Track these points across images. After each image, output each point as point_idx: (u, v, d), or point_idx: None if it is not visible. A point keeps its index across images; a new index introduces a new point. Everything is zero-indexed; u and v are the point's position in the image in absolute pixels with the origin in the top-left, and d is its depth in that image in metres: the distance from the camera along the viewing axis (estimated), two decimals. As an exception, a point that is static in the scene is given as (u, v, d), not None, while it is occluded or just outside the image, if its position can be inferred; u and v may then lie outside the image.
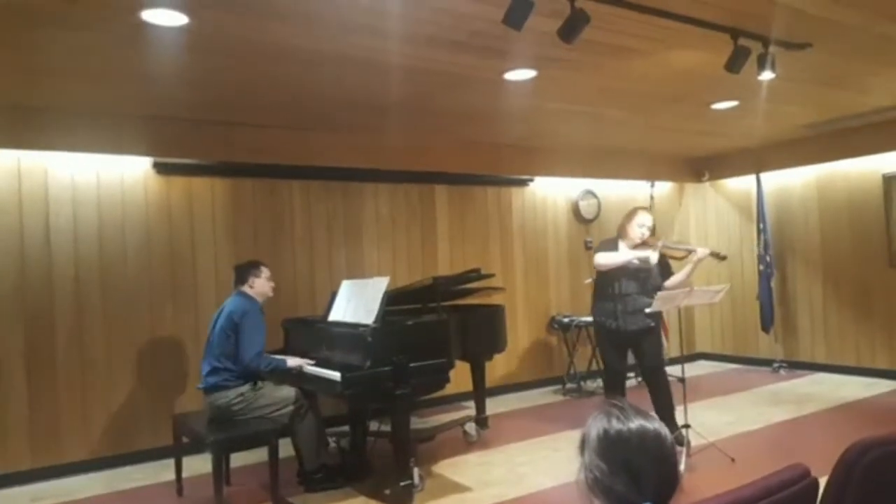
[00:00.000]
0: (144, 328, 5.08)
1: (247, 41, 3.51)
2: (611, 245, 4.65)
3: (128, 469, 4.83)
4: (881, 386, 6.34)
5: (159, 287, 5.14)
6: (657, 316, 4.55)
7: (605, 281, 4.62)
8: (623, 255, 4.52)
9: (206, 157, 5.27)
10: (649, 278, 4.51)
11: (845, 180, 6.93)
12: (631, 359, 4.77)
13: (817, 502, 1.57)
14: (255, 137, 5.34)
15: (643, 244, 4.50)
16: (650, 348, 4.58)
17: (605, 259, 4.55)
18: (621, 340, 4.61)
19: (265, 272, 4.27)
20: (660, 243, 4.50)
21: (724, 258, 4.57)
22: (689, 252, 4.47)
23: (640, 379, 5.88)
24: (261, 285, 4.24)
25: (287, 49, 3.65)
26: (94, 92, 4.33)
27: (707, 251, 4.41)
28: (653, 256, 4.44)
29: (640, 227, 4.53)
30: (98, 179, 4.96)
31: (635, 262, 4.46)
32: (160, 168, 5.16)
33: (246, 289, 4.20)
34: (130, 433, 4.98)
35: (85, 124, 4.72)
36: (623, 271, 4.52)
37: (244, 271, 4.25)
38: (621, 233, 4.64)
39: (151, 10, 3.06)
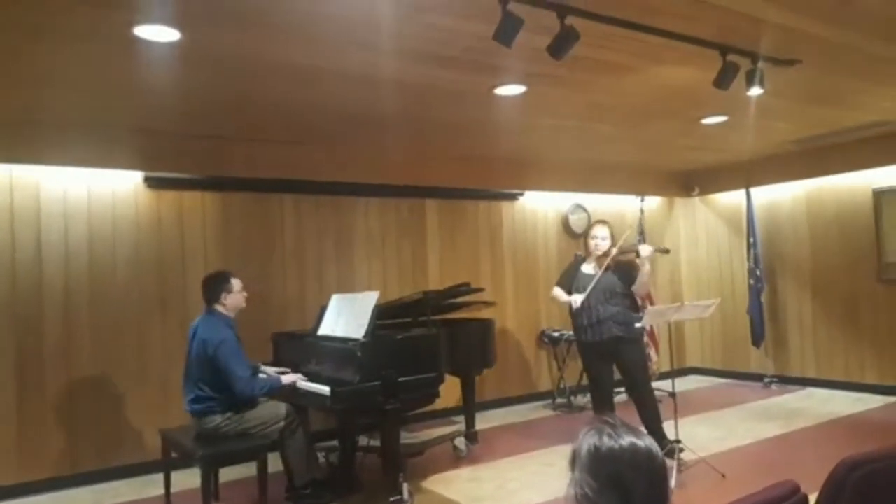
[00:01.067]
0: (133, 342, 5.03)
1: (239, 57, 3.52)
2: (572, 269, 4.82)
3: (115, 484, 4.78)
4: (870, 401, 6.35)
5: (149, 301, 5.11)
6: (633, 327, 4.59)
7: (571, 294, 4.71)
8: (561, 297, 4.74)
9: (197, 171, 5.26)
10: (610, 286, 4.55)
11: (834, 195, 6.98)
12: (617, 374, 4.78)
13: (806, 520, 1.56)
14: (247, 152, 5.34)
15: (604, 255, 4.58)
16: (634, 357, 4.61)
17: (553, 296, 4.86)
18: (599, 351, 4.63)
19: (236, 284, 4.03)
20: (613, 251, 4.56)
21: (667, 251, 4.83)
22: (636, 253, 4.57)
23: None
24: (234, 299, 4.01)
25: (279, 64, 3.66)
26: (87, 106, 4.33)
27: (650, 249, 4.57)
28: (576, 299, 4.54)
29: (591, 239, 4.67)
30: (89, 193, 4.94)
31: (576, 305, 4.56)
32: (151, 182, 5.14)
33: (218, 307, 3.97)
34: (118, 447, 4.92)
35: (77, 138, 4.71)
36: (581, 285, 4.62)
37: (214, 288, 3.98)
38: (584, 251, 4.79)
39: (144, 27, 3.07)
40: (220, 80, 3.91)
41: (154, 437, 4.43)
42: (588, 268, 4.69)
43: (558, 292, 4.80)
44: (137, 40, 3.20)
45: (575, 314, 4.68)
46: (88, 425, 4.84)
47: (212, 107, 4.48)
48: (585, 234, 4.77)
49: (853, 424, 5.63)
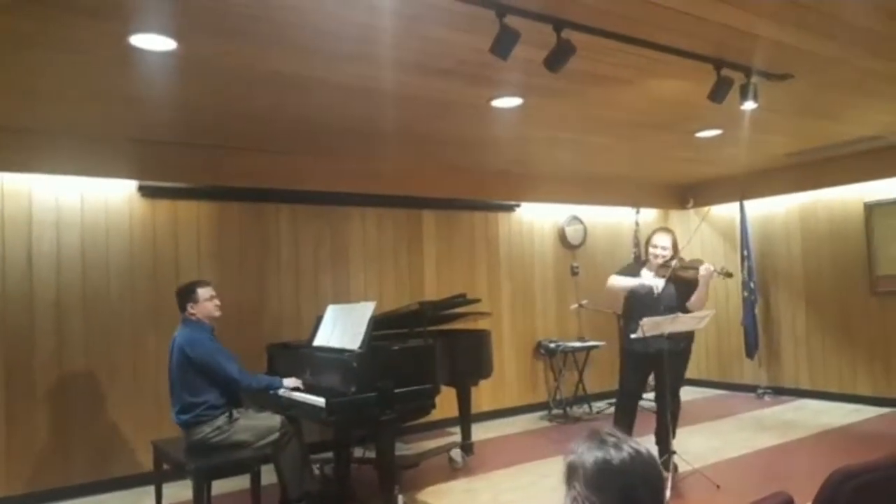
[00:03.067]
0: (126, 353, 5.01)
1: (235, 67, 3.53)
2: (632, 269, 4.68)
3: (107, 496, 4.74)
4: (863, 412, 6.38)
5: (142, 312, 5.09)
6: (687, 338, 4.50)
7: (628, 306, 4.62)
8: (626, 280, 4.56)
9: (192, 180, 5.26)
10: (661, 303, 4.39)
11: (827, 208, 7.03)
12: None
13: (801, 531, 1.57)
14: (242, 161, 5.35)
15: (664, 266, 4.46)
16: (678, 369, 4.51)
17: (611, 281, 4.65)
18: (645, 362, 4.52)
19: (203, 293, 3.99)
20: (674, 263, 4.45)
21: (729, 275, 4.41)
22: (696, 271, 4.39)
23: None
24: (202, 309, 3.97)
25: (275, 74, 3.67)
26: (80, 114, 4.33)
27: (710, 268, 4.33)
28: (658, 284, 4.43)
29: (653, 248, 4.53)
30: (82, 202, 4.93)
31: (647, 285, 4.45)
32: (145, 191, 5.14)
33: (188, 315, 3.97)
34: (110, 460, 4.89)
35: (70, 147, 4.71)
36: (637, 296, 4.52)
37: (182, 298, 4.00)
38: (645, 258, 4.65)
39: (140, 35, 3.08)
40: (216, 89, 3.92)
41: (147, 448, 4.40)
42: (648, 275, 4.54)
43: (620, 279, 4.60)
44: (133, 49, 3.21)
45: (629, 320, 4.51)
46: (80, 437, 4.80)
47: (207, 116, 4.49)
48: (647, 241, 4.61)
49: (846, 435, 5.64)
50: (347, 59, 3.46)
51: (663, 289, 4.44)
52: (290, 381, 4.00)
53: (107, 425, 4.91)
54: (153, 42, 3.16)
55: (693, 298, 4.44)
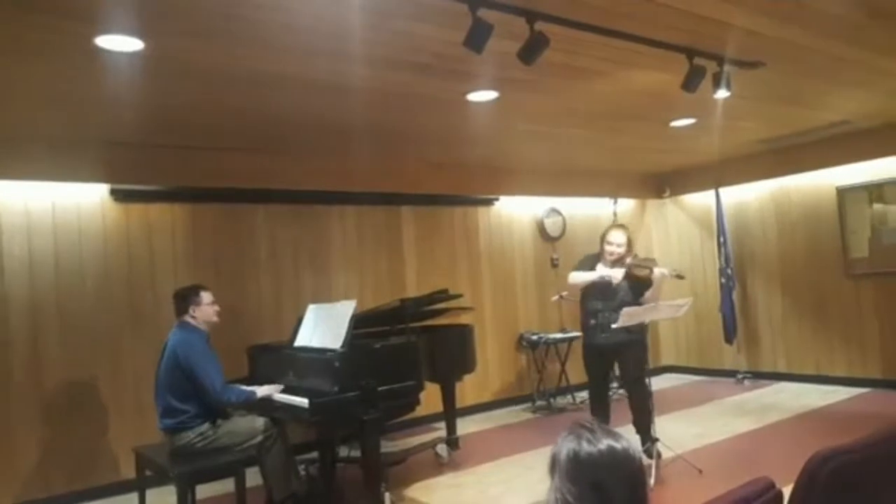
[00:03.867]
0: (104, 359, 4.93)
1: (205, 66, 3.48)
2: (589, 263, 4.73)
3: (88, 505, 4.68)
4: (840, 393, 6.49)
5: (118, 317, 5.01)
6: (641, 329, 4.57)
7: (583, 298, 4.71)
8: (585, 275, 4.62)
9: (165, 182, 5.19)
10: (617, 295, 4.53)
11: (800, 194, 7.13)
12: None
13: (782, 513, 1.59)
14: (216, 162, 5.28)
15: (619, 261, 4.55)
16: (635, 358, 4.60)
17: (571, 278, 4.73)
18: (601, 354, 4.66)
19: (206, 297, 3.98)
20: (628, 260, 4.54)
21: (681, 277, 4.62)
22: (650, 271, 4.51)
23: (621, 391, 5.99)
24: (203, 313, 3.96)
25: (247, 73, 3.63)
26: (49, 118, 4.25)
27: (665, 271, 4.47)
28: (616, 274, 4.51)
29: (608, 245, 4.61)
30: (53, 207, 4.83)
31: (607, 277, 4.52)
32: (118, 195, 5.05)
33: (188, 318, 3.94)
34: (91, 467, 4.81)
35: (39, 151, 4.61)
36: (592, 289, 4.61)
37: (183, 301, 3.95)
38: (600, 252, 4.70)
39: (106, 36, 3.02)
40: (187, 89, 3.86)
41: (128, 455, 4.34)
42: (606, 271, 4.59)
43: (580, 274, 4.65)
44: (99, 50, 3.15)
45: (585, 314, 4.67)
46: (60, 446, 4.72)
47: (179, 117, 4.42)
48: (602, 237, 4.68)
49: (824, 417, 5.74)
50: (321, 55, 3.42)
51: (619, 284, 4.53)
52: (263, 391, 3.93)
53: (87, 433, 4.83)
54: (119, 43, 3.10)
55: (647, 296, 4.56)
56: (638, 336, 4.57)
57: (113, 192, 5.04)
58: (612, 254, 4.57)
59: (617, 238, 4.59)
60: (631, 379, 4.68)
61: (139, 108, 4.20)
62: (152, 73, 3.55)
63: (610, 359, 4.76)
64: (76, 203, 4.92)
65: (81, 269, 4.91)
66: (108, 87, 3.72)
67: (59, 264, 4.82)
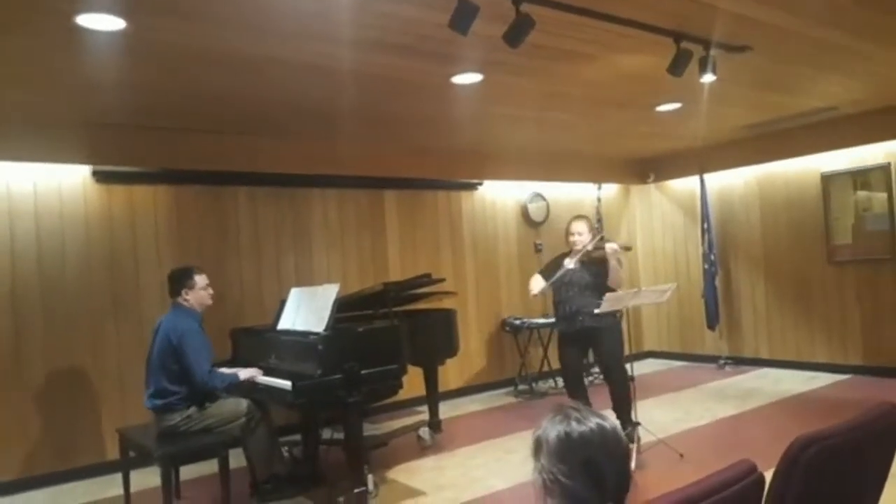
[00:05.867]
0: (87, 341, 4.89)
1: (188, 46, 3.41)
2: (556, 262, 4.81)
3: (72, 485, 4.65)
4: (820, 379, 6.57)
5: (101, 299, 4.96)
6: (612, 314, 4.62)
7: (553, 289, 4.74)
8: (539, 284, 4.69)
9: (148, 164, 5.12)
10: (580, 282, 4.62)
11: (785, 180, 7.17)
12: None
13: (763, 496, 1.60)
14: (199, 143, 5.21)
15: (581, 250, 4.62)
16: (607, 345, 4.66)
17: (529, 285, 4.77)
18: (572, 340, 4.72)
19: (200, 280, 3.96)
20: (589, 247, 4.61)
21: (629, 249, 4.85)
22: (602, 249, 4.61)
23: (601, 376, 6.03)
24: (196, 296, 3.94)
25: (231, 54, 3.57)
26: (29, 99, 4.17)
27: (615, 245, 4.60)
28: (569, 265, 4.59)
29: (570, 235, 4.71)
30: (35, 189, 4.76)
31: (557, 275, 4.59)
32: (100, 176, 4.98)
33: (181, 301, 3.92)
34: (74, 448, 4.79)
35: (19, 132, 4.53)
36: (559, 281, 4.66)
37: (177, 282, 3.93)
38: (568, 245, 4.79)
39: (87, 15, 2.95)
40: (169, 69, 3.79)
41: (112, 436, 4.32)
42: (569, 262, 4.67)
43: (535, 283, 4.74)
44: (80, 29, 3.08)
45: (556, 303, 4.78)
46: (43, 427, 4.69)
47: (161, 98, 4.35)
48: (566, 231, 4.77)
49: (805, 402, 5.81)
50: (305, 37, 3.37)
51: (576, 271, 4.60)
52: (244, 373, 3.92)
53: (69, 415, 4.80)
54: (101, 21, 3.03)
55: (610, 276, 4.63)
56: (609, 321, 4.62)
57: (95, 174, 4.96)
58: (575, 243, 4.66)
59: (577, 227, 4.69)
60: (606, 365, 4.73)
61: (121, 89, 4.11)
62: (134, 53, 3.48)
63: (581, 346, 4.83)
64: (58, 184, 4.85)
65: (63, 250, 4.84)
66: (90, 66, 3.64)
67: (40, 246, 4.75)
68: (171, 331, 3.79)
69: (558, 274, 4.61)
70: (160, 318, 3.99)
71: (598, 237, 4.75)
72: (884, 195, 6.43)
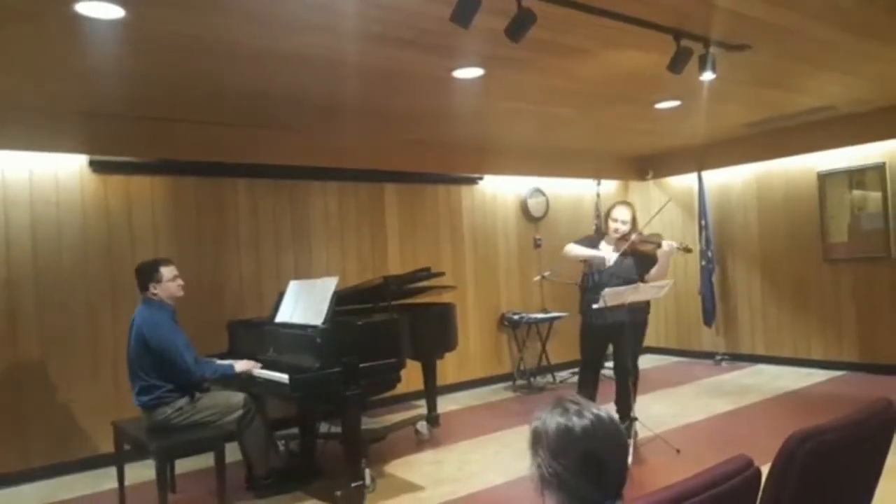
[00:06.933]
0: (83, 333, 4.88)
1: (188, 36, 3.40)
2: (591, 240, 4.68)
3: (67, 479, 4.64)
4: (816, 376, 6.60)
5: (97, 291, 4.95)
6: (645, 308, 4.55)
7: (584, 278, 4.64)
8: (582, 249, 4.56)
9: (146, 154, 5.10)
10: (625, 272, 4.46)
11: (782, 178, 7.18)
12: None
13: (760, 491, 1.61)
14: (198, 134, 5.19)
15: (622, 239, 4.49)
16: (633, 339, 4.55)
17: (567, 248, 4.63)
18: (601, 336, 4.61)
19: (167, 273, 3.86)
20: (633, 237, 4.47)
21: (689, 251, 4.51)
22: (657, 246, 4.44)
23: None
24: (164, 289, 3.85)
25: (232, 45, 3.55)
26: (26, 87, 4.14)
27: (674, 244, 4.39)
28: (610, 257, 4.46)
29: (613, 221, 4.54)
30: (31, 178, 4.73)
31: (599, 255, 4.47)
32: (97, 166, 4.96)
33: (150, 295, 3.84)
34: (69, 441, 4.78)
35: (16, 120, 4.50)
36: (592, 268, 4.55)
37: (143, 276, 3.86)
38: (605, 230, 4.64)
39: (86, 3, 2.94)
40: (169, 59, 3.77)
41: (107, 429, 4.30)
42: (606, 248, 4.55)
43: (576, 247, 4.57)
44: (79, 17, 3.07)
45: (585, 292, 4.59)
46: (37, 419, 4.68)
47: (160, 88, 4.33)
48: (607, 214, 4.61)
49: (801, 398, 5.84)
50: (306, 28, 3.36)
51: (617, 262, 4.47)
52: (241, 365, 3.91)
53: (65, 406, 4.79)
54: (100, 10, 3.01)
55: (653, 272, 4.50)
56: (641, 317, 4.53)
57: (92, 164, 4.95)
58: (616, 230, 4.50)
59: (622, 214, 4.53)
60: (626, 359, 4.57)
61: (120, 78, 4.10)
62: (134, 42, 3.47)
63: (608, 341, 4.70)
64: (54, 174, 4.83)
65: (59, 240, 4.83)
66: (89, 55, 3.62)
67: (36, 235, 4.74)
68: (145, 327, 3.74)
69: (591, 254, 4.46)
70: (134, 312, 3.93)
71: (652, 232, 4.59)
72: (879, 194, 6.45)
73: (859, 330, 6.66)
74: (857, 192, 6.62)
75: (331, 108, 5.02)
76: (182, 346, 3.73)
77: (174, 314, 3.90)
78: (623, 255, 4.47)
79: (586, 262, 4.62)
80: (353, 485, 3.79)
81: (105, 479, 4.47)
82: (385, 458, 4.66)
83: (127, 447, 3.95)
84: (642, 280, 4.44)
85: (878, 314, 6.51)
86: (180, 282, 3.97)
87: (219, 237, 5.52)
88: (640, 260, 4.51)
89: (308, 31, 3.41)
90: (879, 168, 6.42)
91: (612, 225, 4.54)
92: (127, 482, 4.02)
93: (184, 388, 3.80)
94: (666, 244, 4.39)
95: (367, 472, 3.97)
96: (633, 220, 4.56)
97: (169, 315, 3.85)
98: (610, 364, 4.99)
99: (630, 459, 4.24)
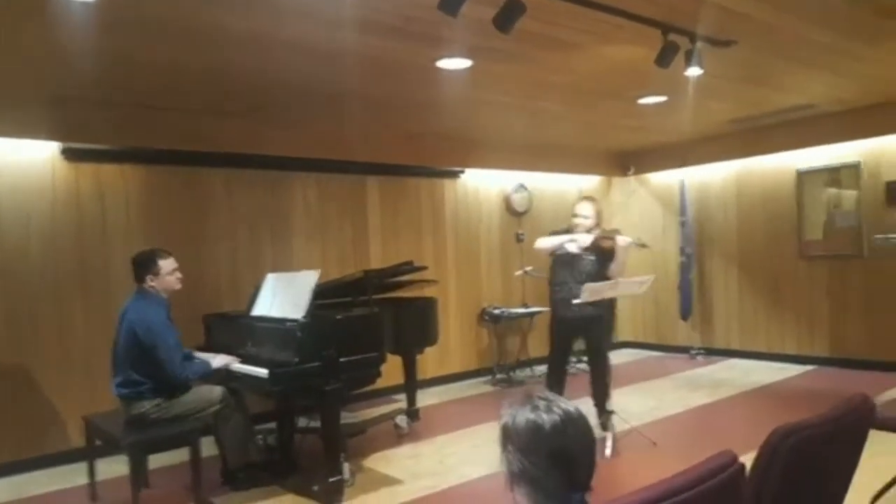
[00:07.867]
0: (52, 325, 4.76)
1: (165, 18, 3.31)
2: (562, 234, 4.72)
3: (37, 474, 4.53)
4: (790, 370, 6.70)
5: (68, 281, 4.83)
6: (605, 304, 4.60)
7: (551, 272, 4.70)
8: (551, 239, 4.64)
9: (119, 142, 4.98)
10: (584, 268, 4.54)
11: (761, 176, 7.26)
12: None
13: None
14: (174, 122, 5.08)
15: (587, 233, 4.55)
16: (597, 334, 4.65)
17: (537, 243, 4.73)
18: (568, 328, 4.67)
19: (165, 266, 3.78)
20: (596, 232, 4.55)
21: (644, 246, 4.64)
22: (613, 241, 4.53)
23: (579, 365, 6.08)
24: (162, 282, 3.78)
25: (209, 29, 3.46)
26: (-4, 70, 4.02)
27: (628, 240, 4.51)
28: (583, 240, 4.52)
29: (575, 217, 4.62)
30: None
31: (573, 250, 4.52)
32: (68, 154, 4.83)
33: (146, 287, 3.77)
34: (39, 436, 4.67)
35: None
36: (557, 261, 4.62)
37: (140, 268, 3.77)
38: (570, 226, 4.70)
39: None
40: (145, 43, 3.67)
41: (77, 423, 4.21)
42: (574, 246, 4.59)
43: (546, 239, 4.67)
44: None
45: (552, 285, 4.68)
46: (6, 414, 4.55)
47: (136, 73, 4.22)
48: (572, 209, 4.71)
49: (774, 392, 5.92)
50: (287, 14, 3.29)
51: (583, 256, 4.54)
52: (219, 361, 3.85)
53: (34, 400, 4.67)
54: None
55: (612, 267, 4.59)
56: (604, 311, 4.61)
57: (63, 151, 4.81)
58: (579, 225, 4.58)
59: (584, 210, 4.61)
60: (595, 352, 4.71)
61: (93, 63, 3.97)
62: (109, 25, 3.36)
63: (576, 332, 4.77)
64: (24, 161, 4.69)
65: (28, 230, 4.69)
66: (60, 38, 3.51)
67: (3, 225, 4.60)
68: (137, 322, 3.65)
69: (563, 240, 4.53)
70: (126, 302, 3.84)
71: (611, 228, 4.68)
72: (853, 193, 6.55)
73: (831, 325, 6.77)
74: (832, 191, 6.72)
75: (310, 97, 4.94)
76: (172, 347, 3.65)
77: (168, 309, 3.81)
78: (586, 249, 4.55)
79: (552, 255, 4.67)
80: (331, 479, 3.76)
81: (76, 475, 4.35)
82: (364, 452, 4.63)
83: (98, 442, 3.86)
84: (604, 276, 4.52)
85: (849, 311, 6.63)
86: (179, 275, 3.88)
87: (195, 228, 5.41)
88: (599, 256, 4.60)
89: (289, 17, 3.34)
90: (855, 167, 6.52)
91: (574, 221, 4.63)
92: (99, 477, 3.95)
93: (165, 386, 3.72)
94: (621, 239, 4.50)
95: (346, 465, 3.94)
96: (598, 215, 4.63)
97: (163, 311, 3.76)
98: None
99: (609, 453, 4.27)
